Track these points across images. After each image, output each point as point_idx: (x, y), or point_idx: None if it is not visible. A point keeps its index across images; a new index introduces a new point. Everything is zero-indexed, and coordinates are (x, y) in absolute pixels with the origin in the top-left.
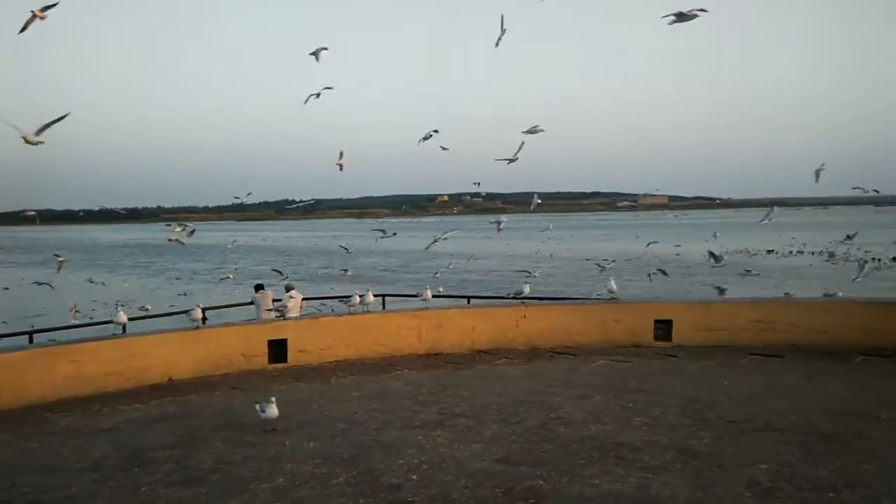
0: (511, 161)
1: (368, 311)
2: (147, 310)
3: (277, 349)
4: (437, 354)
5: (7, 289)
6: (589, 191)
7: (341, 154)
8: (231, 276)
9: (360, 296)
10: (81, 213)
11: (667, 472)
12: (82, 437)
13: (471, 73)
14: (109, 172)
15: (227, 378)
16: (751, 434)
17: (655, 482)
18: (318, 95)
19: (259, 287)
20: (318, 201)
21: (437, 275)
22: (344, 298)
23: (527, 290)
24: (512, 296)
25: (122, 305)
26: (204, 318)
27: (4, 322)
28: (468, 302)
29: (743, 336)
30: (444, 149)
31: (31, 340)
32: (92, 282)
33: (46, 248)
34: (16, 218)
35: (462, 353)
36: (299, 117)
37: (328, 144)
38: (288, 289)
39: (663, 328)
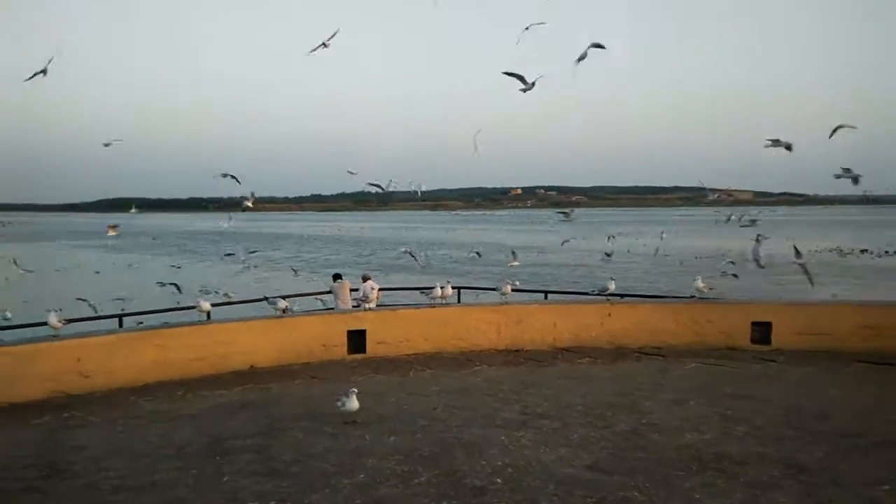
0: (527, 89)
1: (447, 304)
2: (230, 297)
3: (356, 340)
4: (517, 351)
5: (98, 272)
6: (668, 185)
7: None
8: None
9: (441, 287)
10: (173, 202)
11: (776, 489)
12: (166, 423)
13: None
14: (199, 162)
15: (307, 367)
16: (868, 450)
17: (764, 499)
18: (326, 45)
19: (337, 276)
20: (392, 193)
21: (514, 263)
22: (426, 290)
23: (612, 286)
24: (596, 292)
25: (206, 293)
26: (285, 308)
27: (88, 304)
28: (546, 297)
29: (849, 342)
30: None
31: (120, 324)
32: (178, 267)
33: (140, 233)
34: (119, 205)
35: (543, 350)
36: (382, 112)
37: (406, 136)
38: (365, 278)
39: (761, 331)
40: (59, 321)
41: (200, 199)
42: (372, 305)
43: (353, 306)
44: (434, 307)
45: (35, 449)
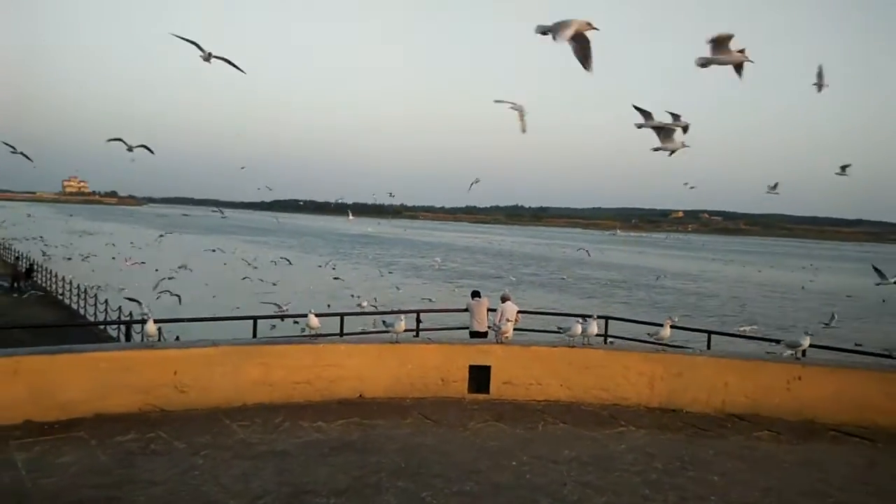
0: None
1: (589, 344)
2: (362, 307)
3: (479, 377)
4: (673, 411)
5: (245, 277)
6: (851, 218)
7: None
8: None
9: (581, 323)
10: (332, 205)
11: None
12: (251, 460)
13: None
14: (360, 170)
15: (421, 404)
16: None
17: None
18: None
19: (476, 294)
20: (546, 209)
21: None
22: (562, 328)
23: (806, 342)
24: (784, 344)
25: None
26: (412, 329)
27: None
28: (709, 341)
29: None
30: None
31: (254, 326)
32: (324, 268)
33: (297, 234)
34: (288, 206)
35: (708, 414)
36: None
37: (558, 153)
38: (504, 299)
39: None
40: (158, 327)
41: (344, 204)
42: (509, 332)
43: (490, 327)
44: (573, 347)
45: (104, 476)
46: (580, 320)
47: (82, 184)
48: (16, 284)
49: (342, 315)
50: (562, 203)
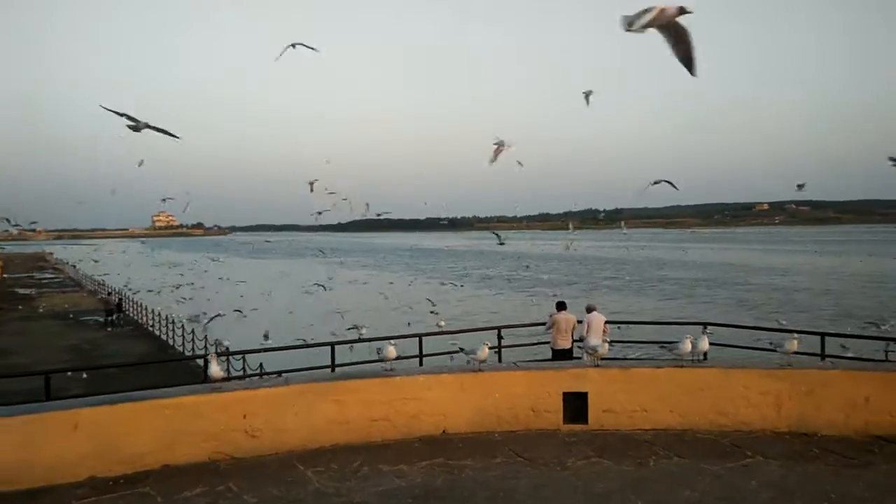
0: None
1: (700, 362)
2: (440, 325)
3: (575, 405)
4: (806, 436)
5: (314, 287)
6: None
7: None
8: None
9: (691, 339)
10: (409, 221)
11: None
12: None
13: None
14: (435, 184)
15: (511, 439)
16: None
17: None
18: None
19: (561, 306)
20: (621, 210)
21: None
22: (667, 345)
23: None
24: None
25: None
26: (493, 346)
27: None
28: (821, 345)
29: None
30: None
31: (332, 353)
32: (399, 284)
33: (379, 251)
34: (362, 226)
35: (848, 437)
36: (602, 130)
37: (629, 155)
38: (589, 309)
39: None
40: (222, 370)
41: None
42: (596, 342)
43: (577, 342)
44: (682, 367)
45: None
46: (689, 337)
47: (170, 217)
48: (109, 318)
49: (420, 336)
50: (637, 203)
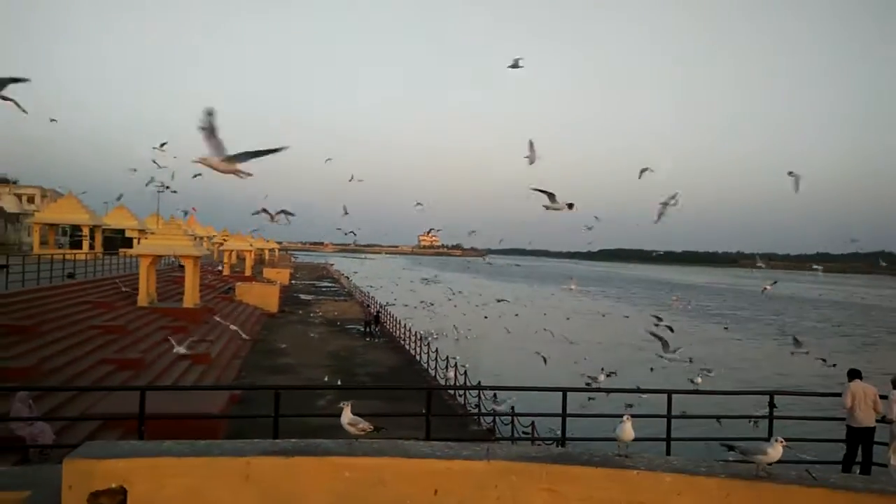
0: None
1: None
2: (696, 383)
3: None
4: None
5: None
6: None
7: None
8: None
9: None
10: (656, 255)
11: None
12: None
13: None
14: (693, 218)
15: None
16: None
17: None
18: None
19: (854, 374)
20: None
21: None
22: None
23: None
24: None
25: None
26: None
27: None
28: None
29: None
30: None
31: (563, 399)
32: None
33: (624, 283)
34: (613, 256)
35: None
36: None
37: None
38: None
39: None
40: (359, 428)
41: (694, 253)
42: None
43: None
44: None
45: None
46: None
47: (434, 238)
48: (368, 328)
49: (670, 392)
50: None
